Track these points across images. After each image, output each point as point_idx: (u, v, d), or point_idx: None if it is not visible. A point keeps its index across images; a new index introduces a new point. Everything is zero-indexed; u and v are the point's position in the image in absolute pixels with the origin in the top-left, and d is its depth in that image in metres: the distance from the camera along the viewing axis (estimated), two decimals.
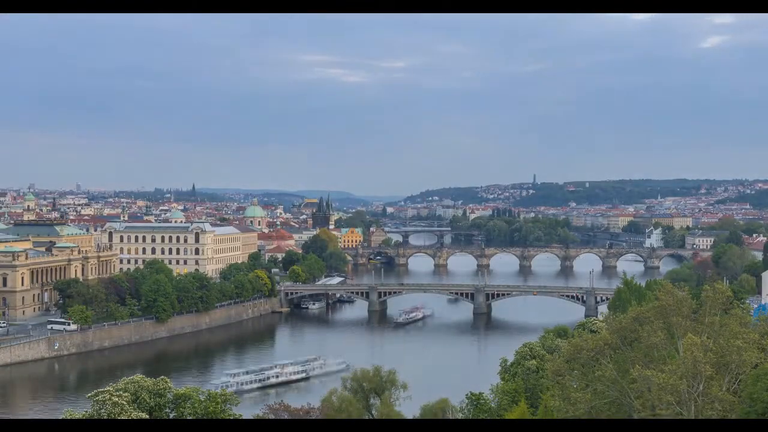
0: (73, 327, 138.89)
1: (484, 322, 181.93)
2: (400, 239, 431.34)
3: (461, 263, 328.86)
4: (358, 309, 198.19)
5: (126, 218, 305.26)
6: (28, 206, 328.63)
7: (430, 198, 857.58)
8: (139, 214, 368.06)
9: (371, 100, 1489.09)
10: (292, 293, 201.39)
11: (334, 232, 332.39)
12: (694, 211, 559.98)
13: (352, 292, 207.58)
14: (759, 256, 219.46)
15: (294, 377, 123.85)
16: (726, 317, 46.19)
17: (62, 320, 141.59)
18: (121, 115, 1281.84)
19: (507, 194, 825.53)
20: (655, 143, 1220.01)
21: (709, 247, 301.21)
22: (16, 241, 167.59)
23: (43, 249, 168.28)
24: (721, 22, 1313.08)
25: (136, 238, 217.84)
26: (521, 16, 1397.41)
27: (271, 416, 62.01)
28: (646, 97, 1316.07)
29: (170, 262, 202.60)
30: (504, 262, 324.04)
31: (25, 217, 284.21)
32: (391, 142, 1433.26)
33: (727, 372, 41.27)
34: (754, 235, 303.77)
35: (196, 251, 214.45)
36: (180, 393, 61.75)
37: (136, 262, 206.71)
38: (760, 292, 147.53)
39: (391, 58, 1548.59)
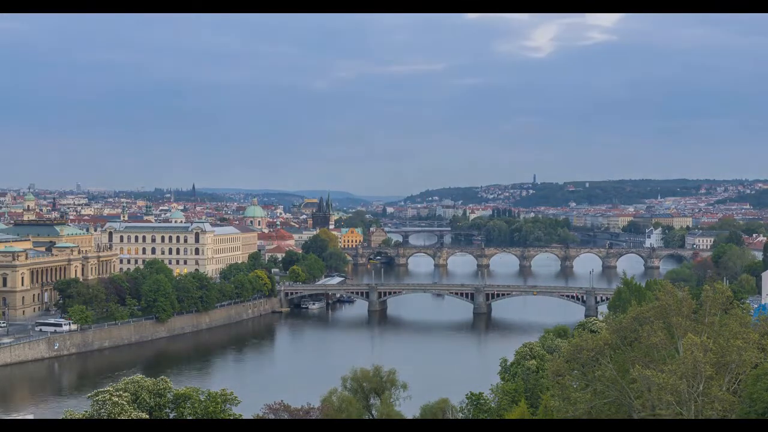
0: (66, 328, 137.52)
1: (484, 322, 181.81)
2: (400, 239, 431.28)
3: (461, 263, 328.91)
4: (358, 309, 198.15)
5: (126, 218, 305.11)
6: (28, 206, 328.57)
7: (430, 198, 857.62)
8: (139, 214, 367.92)
9: (372, 100, 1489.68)
10: (292, 293, 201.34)
11: (334, 232, 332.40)
12: (694, 211, 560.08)
13: (352, 292, 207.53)
14: (759, 256, 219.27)
15: None
16: (726, 317, 46.18)
17: (52, 321, 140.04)
18: (120, 115, 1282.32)
19: (507, 194, 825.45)
20: (655, 143, 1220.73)
21: (709, 247, 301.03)
22: (16, 241, 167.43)
23: (43, 249, 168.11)
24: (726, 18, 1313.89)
25: (136, 238, 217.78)
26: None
27: (271, 416, 61.96)
28: (646, 96, 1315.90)
29: (170, 262, 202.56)
30: (504, 262, 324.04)
31: (25, 217, 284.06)
32: (392, 141, 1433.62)
33: (727, 372, 41.27)
34: (754, 235, 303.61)
35: (196, 251, 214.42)
36: (180, 393, 61.80)
37: (136, 262, 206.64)
38: (760, 292, 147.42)
39: (392, 56, 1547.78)
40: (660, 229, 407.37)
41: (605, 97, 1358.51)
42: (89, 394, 59.39)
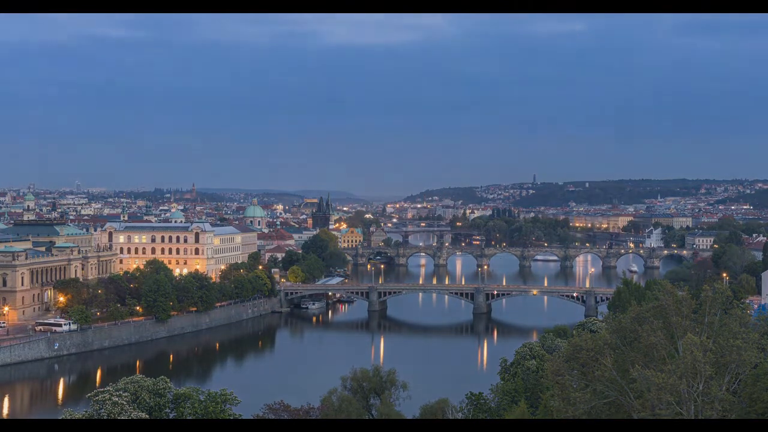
0: (66, 328, 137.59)
1: (484, 322, 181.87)
2: (400, 239, 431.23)
3: (461, 263, 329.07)
4: (358, 309, 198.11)
5: (126, 218, 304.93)
6: (28, 206, 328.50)
7: (430, 198, 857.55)
8: (139, 214, 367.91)
9: (373, 99, 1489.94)
10: (292, 293, 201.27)
11: (334, 232, 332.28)
12: (694, 211, 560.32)
13: (352, 292, 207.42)
14: (759, 256, 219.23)
15: None
16: (726, 317, 46.17)
17: (52, 321, 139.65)
18: (120, 115, 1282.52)
19: (507, 194, 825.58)
20: (655, 142, 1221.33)
21: (709, 247, 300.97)
22: (16, 241, 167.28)
23: (43, 249, 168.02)
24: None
25: (137, 238, 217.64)
26: (522, 17, 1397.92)
27: (271, 416, 61.98)
28: (646, 96, 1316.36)
29: (170, 262, 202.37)
30: (504, 262, 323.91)
31: (25, 217, 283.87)
32: (392, 141, 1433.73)
33: (726, 372, 41.27)
34: (754, 235, 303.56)
35: (196, 251, 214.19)
36: (180, 393, 61.82)
37: (136, 262, 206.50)
38: (760, 292, 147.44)
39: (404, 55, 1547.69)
40: (660, 229, 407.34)
41: (606, 97, 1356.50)
42: (89, 394, 59.38)
